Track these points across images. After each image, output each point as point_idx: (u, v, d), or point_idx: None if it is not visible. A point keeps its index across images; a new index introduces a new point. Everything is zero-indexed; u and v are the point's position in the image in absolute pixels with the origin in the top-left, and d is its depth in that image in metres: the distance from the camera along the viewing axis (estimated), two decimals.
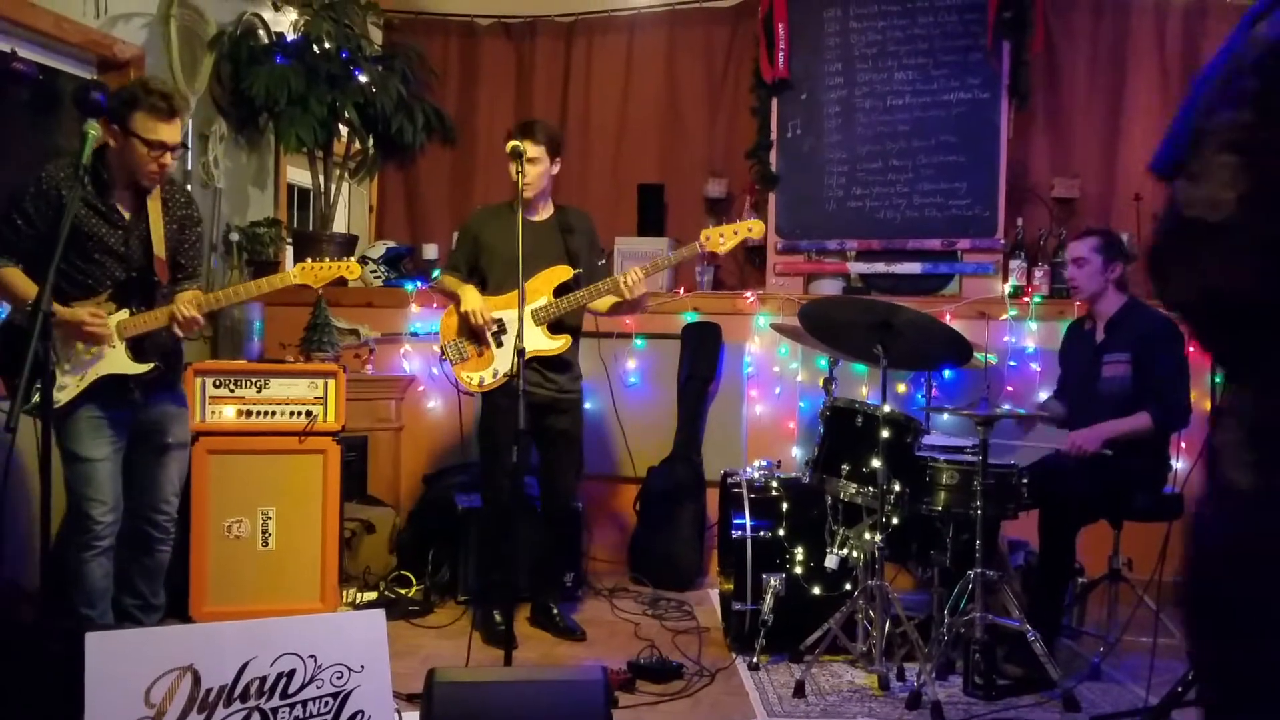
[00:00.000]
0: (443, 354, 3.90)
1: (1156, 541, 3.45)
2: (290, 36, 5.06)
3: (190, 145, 4.79)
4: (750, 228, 3.81)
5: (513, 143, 3.39)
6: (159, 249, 3.22)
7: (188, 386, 3.84)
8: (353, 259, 3.58)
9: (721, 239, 3.78)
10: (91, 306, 3.12)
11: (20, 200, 3.09)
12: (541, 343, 3.80)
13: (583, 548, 4.66)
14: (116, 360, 3.16)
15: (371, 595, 4.29)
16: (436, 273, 4.46)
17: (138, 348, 3.19)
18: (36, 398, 2.85)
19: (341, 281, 3.56)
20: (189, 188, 4.68)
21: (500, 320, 3.85)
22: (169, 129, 3.09)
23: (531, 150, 3.73)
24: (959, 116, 5.04)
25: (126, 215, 3.19)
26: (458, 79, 6.02)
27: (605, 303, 3.89)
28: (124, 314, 3.17)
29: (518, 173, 3.42)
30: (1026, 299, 4.85)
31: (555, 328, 3.86)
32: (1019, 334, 4.86)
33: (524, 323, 3.30)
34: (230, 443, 3.93)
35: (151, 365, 3.20)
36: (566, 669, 3.16)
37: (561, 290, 3.85)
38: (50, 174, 3.11)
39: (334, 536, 4.04)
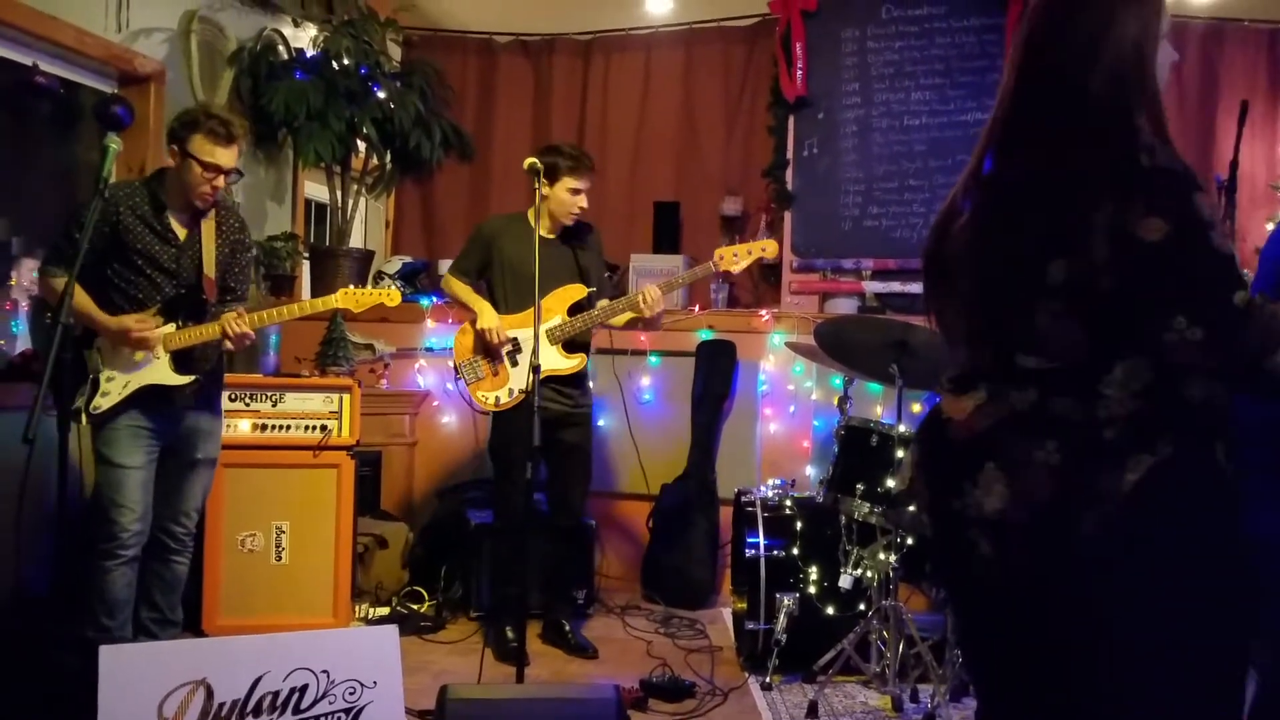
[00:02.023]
0: (457, 373, 3.90)
1: None
2: (310, 52, 5.09)
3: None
4: (764, 248, 3.82)
5: (531, 160, 3.40)
6: (209, 269, 3.31)
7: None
8: (393, 287, 3.65)
9: (735, 258, 3.79)
10: (136, 317, 3.20)
11: (81, 217, 3.15)
12: (557, 361, 3.80)
13: (595, 565, 4.64)
14: (159, 371, 3.22)
15: (384, 610, 4.29)
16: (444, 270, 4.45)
17: (181, 361, 3.26)
18: (79, 402, 3.05)
19: (381, 308, 3.62)
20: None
21: (515, 339, 3.85)
22: (225, 153, 3.18)
23: (589, 182, 3.86)
24: (976, 137, 4.97)
25: (180, 234, 3.28)
26: (475, 96, 6.06)
27: (623, 318, 3.90)
28: (170, 327, 3.24)
29: (536, 187, 3.43)
30: None
31: (569, 346, 3.86)
32: None
33: (539, 340, 3.31)
34: (245, 456, 3.93)
35: (193, 378, 3.27)
36: (579, 687, 3.14)
37: (575, 309, 3.86)
38: (112, 192, 3.17)
39: (347, 551, 4.04)
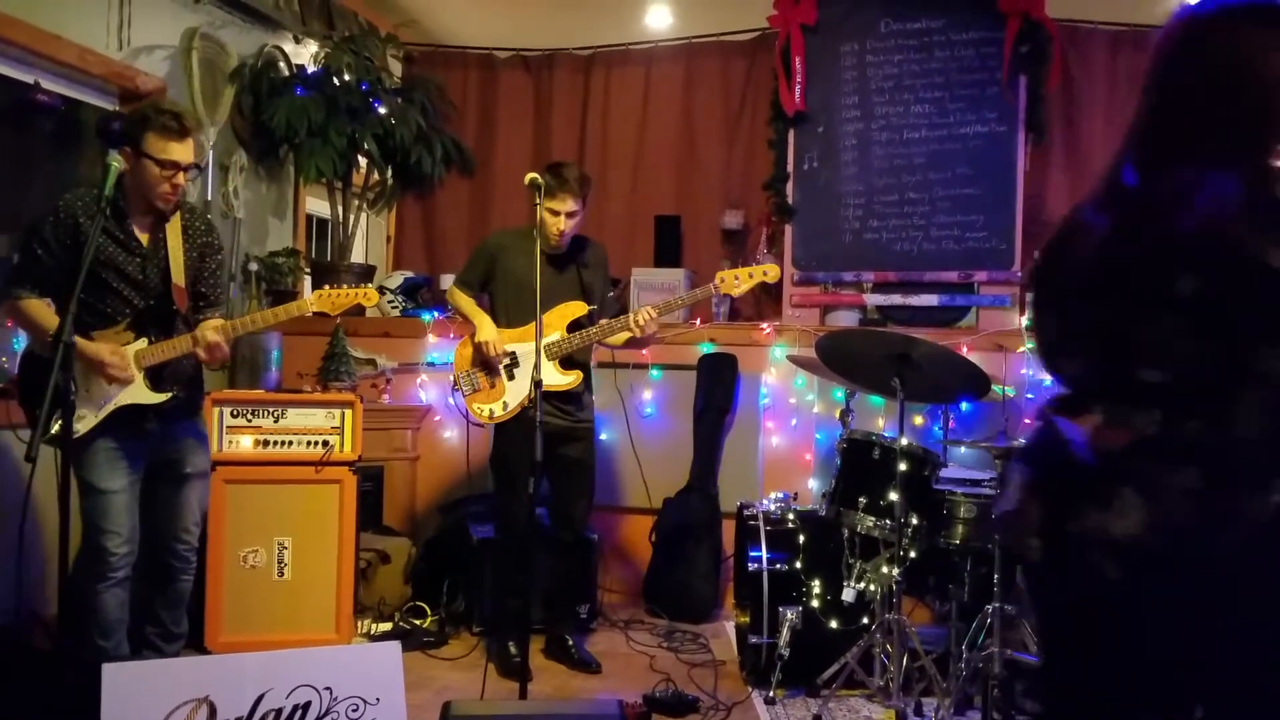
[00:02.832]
0: (455, 384, 3.91)
1: None
2: (311, 69, 5.12)
3: (211, 175, 4.84)
4: (766, 271, 3.82)
5: (532, 176, 3.40)
6: (178, 277, 3.19)
7: (205, 416, 3.85)
8: (370, 286, 3.59)
9: (737, 281, 3.78)
10: (111, 342, 3.10)
11: (40, 230, 3.08)
12: (553, 378, 3.80)
13: (598, 579, 4.64)
14: (135, 390, 3.13)
15: (386, 626, 4.28)
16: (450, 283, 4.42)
17: (156, 377, 3.16)
18: (56, 428, 2.83)
19: (359, 309, 3.57)
20: (208, 217, 4.73)
21: (513, 353, 3.86)
22: (181, 148, 3.06)
23: (570, 205, 3.78)
24: (975, 150, 5.05)
25: (144, 242, 3.16)
26: (476, 111, 6.08)
27: (620, 338, 3.90)
28: (142, 343, 3.14)
29: (537, 203, 3.43)
30: None
31: (566, 363, 3.86)
32: (1036, 366, 4.84)
33: (540, 355, 3.31)
34: (247, 472, 3.93)
35: (170, 395, 3.17)
36: (582, 703, 3.14)
37: (575, 326, 3.86)
38: (68, 203, 3.09)
39: (349, 567, 4.04)
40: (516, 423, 3.81)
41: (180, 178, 3.10)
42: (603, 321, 3.87)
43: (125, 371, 3.09)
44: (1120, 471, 1.55)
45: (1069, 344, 1.75)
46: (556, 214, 3.77)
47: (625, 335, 3.86)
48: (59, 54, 4.04)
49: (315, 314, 3.54)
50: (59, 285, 3.05)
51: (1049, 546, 1.67)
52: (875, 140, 5.19)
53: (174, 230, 3.21)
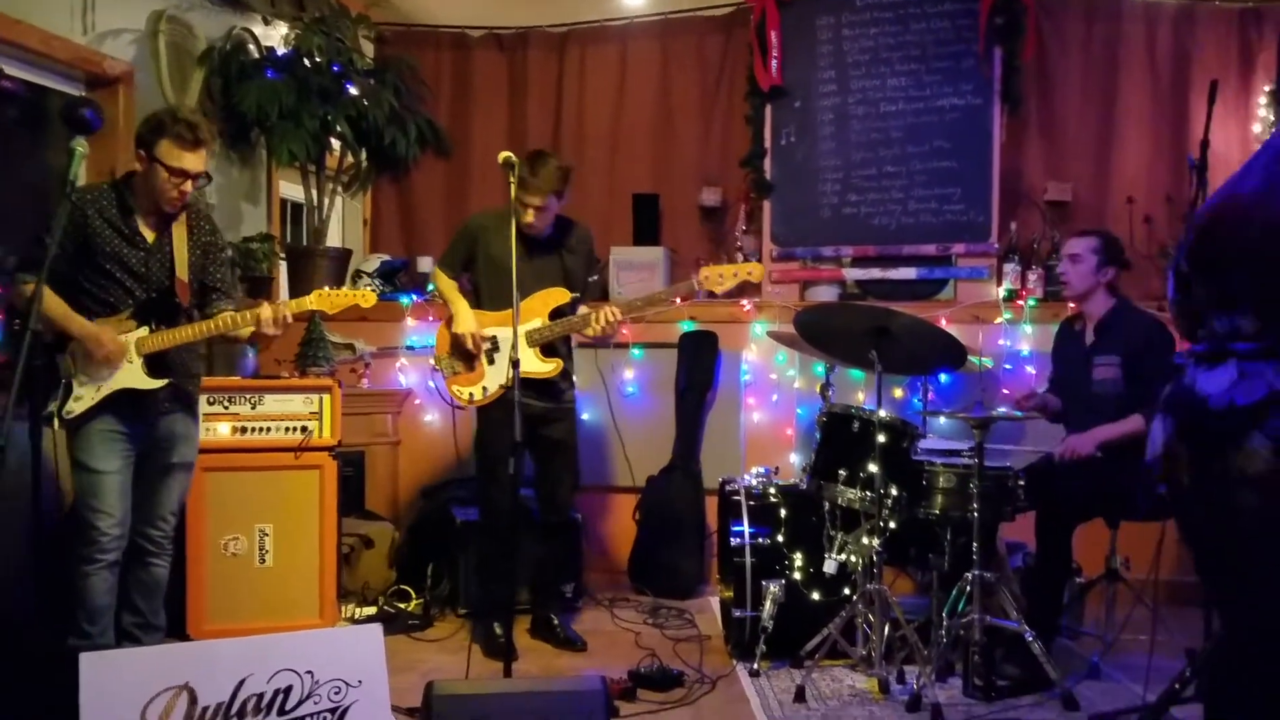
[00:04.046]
0: (436, 364, 3.90)
1: (1153, 541, 3.46)
2: (281, 51, 5.05)
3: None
4: (750, 271, 3.80)
5: (506, 155, 3.37)
6: (181, 272, 3.30)
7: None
8: (372, 286, 3.61)
9: (721, 279, 3.75)
10: (113, 325, 3.19)
11: (50, 222, 3.13)
12: (533, 365, 3.78)
13: (582, 558, 4.64)
14: (132, 375, 3.21)
15: (371, 610, 4.27)
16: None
17: (154, 365, 3.25)
18: (52, 408, 3.07)
19: (359, 307, 3.59)
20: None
21: (494, 337, 3.84)
22: (192, 158, 3.17)
23: (539, 200, 3.74)
24: (952, 122, 5.05)
25: (149, 238, 3.27)
26: (450, 91, 6.03)
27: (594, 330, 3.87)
28: (143, 331, 3.24)
29: (511, 182, 3.39)
30: (1021, 302, 4.85)
31: (548, 350, 3.85)
32: (1014, 337, 4.86)
33: (518, 339, 3.29)
34: (225, 460, 3.91)
35: (165, 382, 3.26)
36: (566, 680, 3.14)
37: (557, 313, 3.84)
38: (78, 194, 3.19)
39: (332, 552, 4.03)
40: (498, 405, 3.80)
41: (188, 185, 3.21)
42: (572, 316, 3.83)
43: (120, 354, 3.17)
44: (1252, 420, 1.93)
45: (1224, 305, 2.05)
46: (526, 206, 3.74)
47: (591, 329, 3.82)
48: (22, 39, 3.97)
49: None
50: (63, 274, 3.16)
51: (1196, 480, 2.06)
52: (852, 114, 5.18)
53: (180, 229, 3.34)
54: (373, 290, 5.23)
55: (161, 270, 3.28)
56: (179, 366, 3.33)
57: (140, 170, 3.22)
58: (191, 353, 3.38)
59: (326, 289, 3.54)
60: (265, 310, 3.30)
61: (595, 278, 4.06)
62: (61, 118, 4.08)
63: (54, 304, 3.13)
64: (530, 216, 3.74)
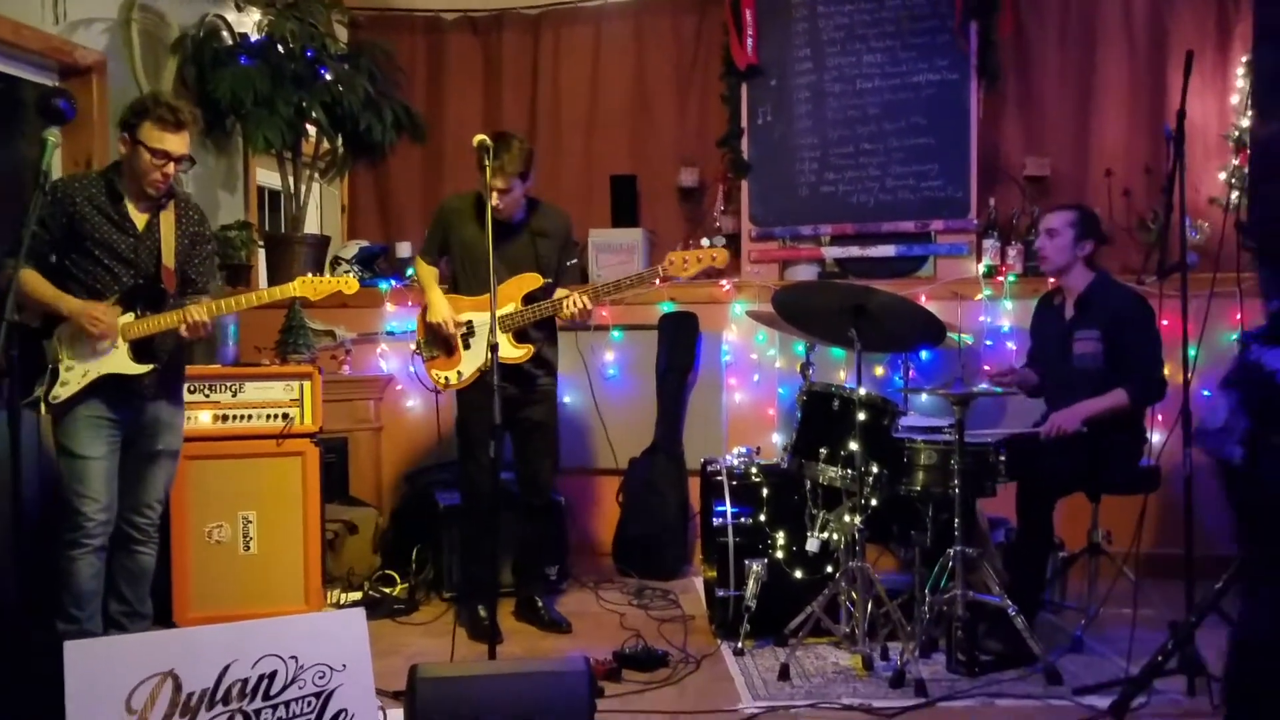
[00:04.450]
0: (416, 349, 3.91)
1: (1134, 514, 3.48)
2: (254, 37, 5.02)
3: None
4: (714, 256, 3.80)
5: (480, 138, 3.35)
6: (168, 259, 3.32)
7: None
8: (351, 275, 3.62)
9: (685, 264, 3.76)
10: (101, 307, 3.20)
11: (37, 208, 3.13)
12: (505, 350, 3.76)
13: (567, 541, 4.66)
14: (118, 360, 3.23)
15: (356, 595, 4.28)
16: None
17: (140, 350, 3.26)
18: (38, 393, 3.11)
19: (340, 294, 3.59)
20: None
21: (469, 322, 3.85)
22: (175, 139, 3.19)
23: (502, 183, 3.70)
24: (929, 98, 5.05)
25: (139, 223, 3.29)
26: (425, 75, 6.00)
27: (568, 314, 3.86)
28: (129, 317, 3.25)
29: (485, 166, 3.38)
30: (1001, 278, 4.87)
31: (520, 336, 3.85)
32: (994, 313, 4.88)
33: (494, 322, 3.29)
34: (207, 448, 3.91)
35: (151, 367, 3.27)
36: (550, 661, 3.14)
37: (530, 298, 3.84)
38: (65, 184, 3.26)
39: (316, 538, 4.03)
40: (475, 389, 3.80)
41: (171, 167, 3.22)
42: (543, 301, 3.82)
43: (113, 331, 3.20)
44: None
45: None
46: (491, 190, 3.70)
47: (564, 314, 3.81)
48: None
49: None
50: (50, 259, 3.20)
51: (1253, 452, 2.15)
52: (829, 92, 5.18)
53: (168, 217, 3.35)
54: (353, 276, 5.25)
55: (150, 257, 3.30)
56: (164, 353, 3.33)
57: (124, 154, 3.24)
58: (175, 338, 3.37)
59: (310, 275, 3.56)
60: (196, 311, 3.24)
61: (574, 261, 4.04)
62: (35, 108, 4.07)
63: (44, 287, 3.16)
64: (495, 199, 3.69)
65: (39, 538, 3.35)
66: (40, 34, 4.15)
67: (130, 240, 3.26)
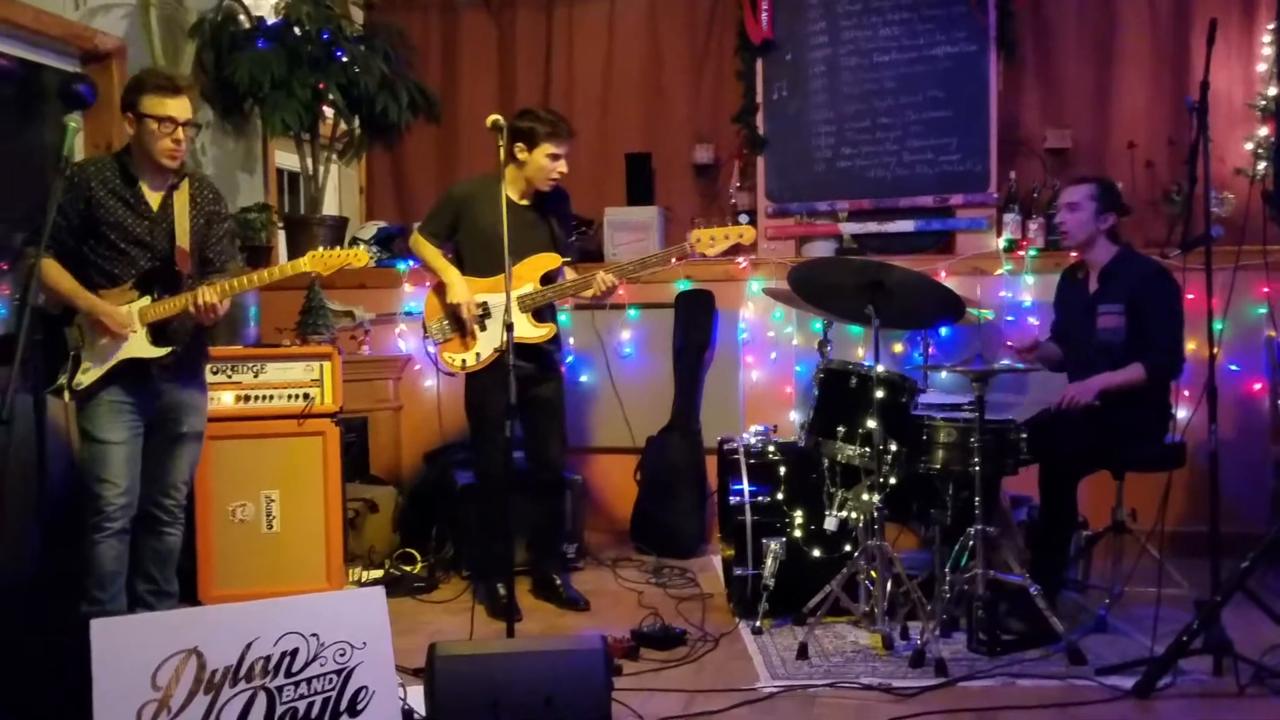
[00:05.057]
0: (426, 332, 3.92)
1: (1159, 491, 3.44)
2: (271, 20, 5.02)
3: None
4: (741, 234, 3.80)
5: (494, 118, 3.35)
6: (182, 240, 3.31)
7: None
8: (360, 248, 3.61)
9: (712, 241, 3.77)
10: (117, 300, 3.21)
11: (55, 195, 3.13)
12: (526, 330, 3.79)
13: (584, 519, 4.68)
14: (137, 345, 3.23)
15: (377, 573, 4.32)
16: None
17: (159, 333, 3.27)
18: (61, 380, 3.12)
19: (359, 274, 3.59)
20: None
21: (485, 304, 3.86)
22: (175, 103, 3.18)
23: (568, 147, 3.84)
24: (946, 71, 5.00)
25: (153, 204, 3.28)
26: (439, 55, 5.99)
27: (590, 292, 3.88)
28: (145, 300, 3.25)
29: (499, 145, 3.38)
30: (1022, 253, 4.83)
31: (539, 315, 3.86)
32: (1015, 288, 4.85)
33: (511, 304, 3.30)
34: (230, 428, 3.94)
35: (169, 350, 3.27)
36: (567, 639, 3.18)
37: (547, 279, 3.85)
38: (82, 168, 3.25)
39: (337, 517, 4.07)
40: (489, 370, 3.82)
41: (179, 133, 3.20)
42: (568, 280, 3.86)
43: (123, 327, 3.19)
44: None
45: None
46: (557, 158, 3.81)
47: (591, 291, 3.85)
48: (15, 16, 3.97)
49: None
50: (72, 248, 3.21)
51: None
52: (844, 66, 5.13)
53: (182, 197, 3.34)
54: (363, 249, 5.28)
55: (164, 238, 3.29)
56: (181, 333, 3.34)
57: (133, 135, 3.23)
58: (193, 318, 3.35)
59: (320, 250, 3.52)
60: (205, 293, 3.22)
61: (574, 239, 4.07)
62: (57, 94, 4.11)
63: (62, 278, 3.17)
64: (563, 166, 3.83)
65: (65, 520, 3.39)
66: (61, 20, 4.17)
67: (145, 223, 3.26)
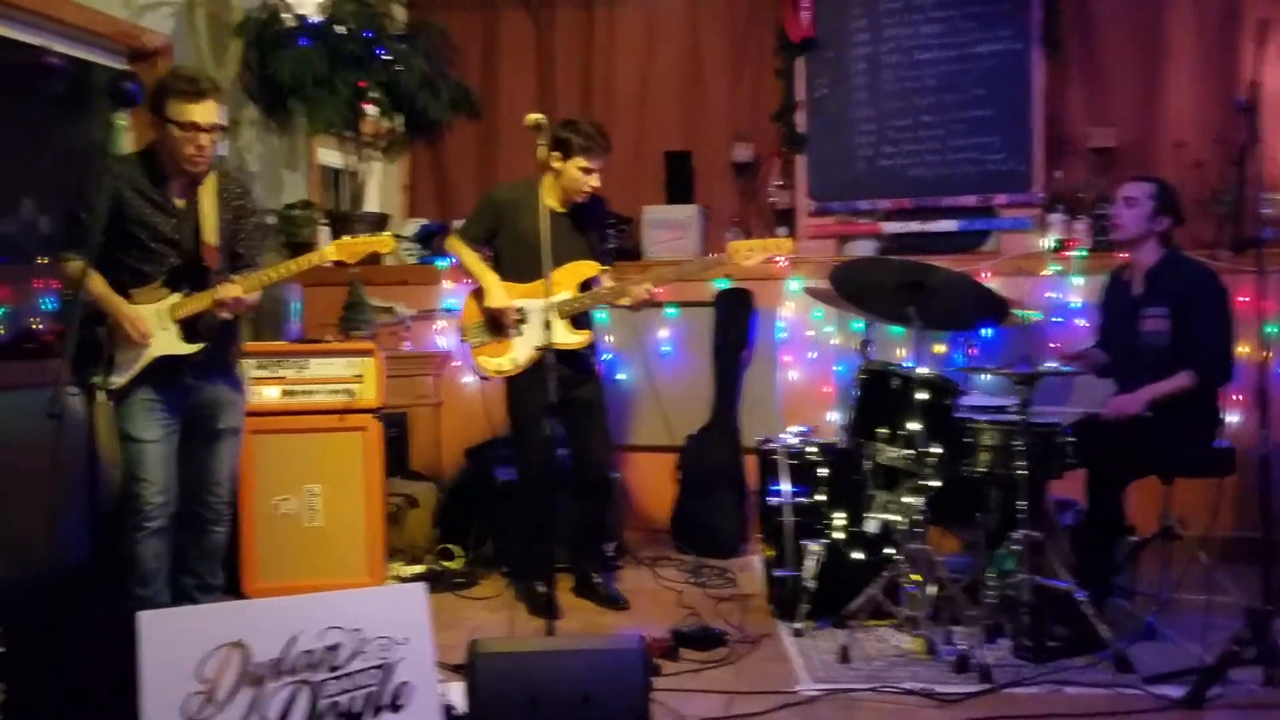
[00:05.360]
0: (463, 336, 3.94)
1: (1209, 497, 3.37)
2: (314, 19, 5.06)
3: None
4: (779, 245, 3.80)
5: (535, 117, 3.36)
6: (209, 236, 3.29)
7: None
8: (386, 233, 3.59)
9: (750, 253, 3.76)
10: (148, 299, 3.21)
11: (84, 198, 3.19)
12: (564, 336, 3.79)
13: (624, 518, 4.68)
14: (169, 342, 3.23)
15: (417, 569, 4.35)
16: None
17: (190, 330, 3.26)
18: (97, 379, 3.10)
19: (375, 257, 3.59)
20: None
21: (522, 309, 3.87)
22: (200, 109, 3.14)
23: (603, 162, 3.83)
24: (990, 69, 4.95)
25: (180, 204, 3.27)
26: (480, 53, 6.02)
27: (627, 300, 3.90)
28: (176, 297, 3.25)
29: (538, 145, 3.39)
30: (1069, 253, 4.76)
31: (577, 322, 3.87)
32: (1062, 289, 4.78)
33: (550, 311, 3.32)
34: (274, 422, 3.99)
35: (201, 346, 3.27)
36: (606, 638, 3.19)
37: (585, 286, 3.86)
38: (107, 168, 3.23)
39: (378, 511, 4.10)
40: (528, 371, 3.84)
41: (203, 139, 3.17)
42: (605, 288, 3.88)
43: (143, 337, 3.18)
44: None
45: None
46: (590, 172, 3.79)
47: (628, 300, 3.86)
48: (65, 15, 4.02)
49: (334, 263, 3.57)
50: (100, 247, 3.15)
51: None
52: (886, 64, 5.10)
53: (208, 192, 3.32)
54: (408, 253, 5.32)
55: (191, 235, 3.28)
56: (213, 329, 3.32)
57: (157, 136, 3.22)
58: (220, 314, 3.33)
59: (345, 238, 3.51)
60: (224, 290, 3.22)
61: (612, 243, 4.08)
62: (105, 92, 4.15)
63: (92, 282, 3.13)
64: (595, 180, 3.83)
65: (113, 516, 3.42)
66: (109, 18, 4.22)
67: (173, 221, 3.25)
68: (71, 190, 3.32)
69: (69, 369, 2.59)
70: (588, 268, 3.88)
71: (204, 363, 3.32)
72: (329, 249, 3.47)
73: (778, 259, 4.98)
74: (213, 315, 3.30)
